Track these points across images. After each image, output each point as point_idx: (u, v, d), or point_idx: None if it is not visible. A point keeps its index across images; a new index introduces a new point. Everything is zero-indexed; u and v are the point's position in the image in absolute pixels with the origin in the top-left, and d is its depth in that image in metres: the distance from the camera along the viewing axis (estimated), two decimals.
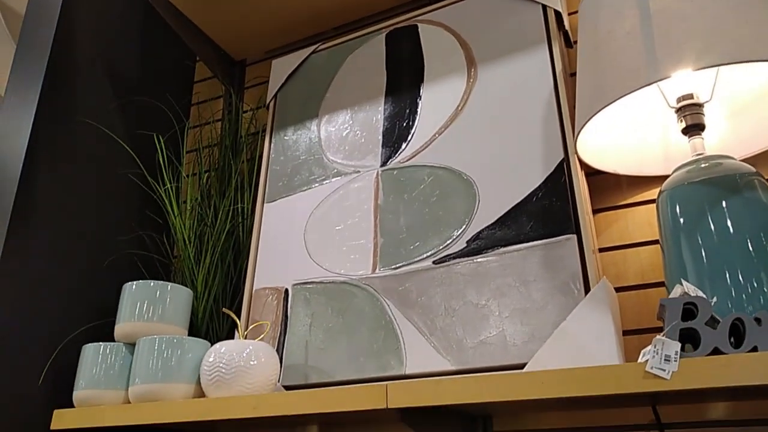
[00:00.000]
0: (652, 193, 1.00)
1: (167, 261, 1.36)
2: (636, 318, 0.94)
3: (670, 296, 0.72)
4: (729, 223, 0.74)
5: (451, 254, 0.96)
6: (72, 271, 1.14)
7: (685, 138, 0.85)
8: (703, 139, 0.84)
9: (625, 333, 0.93)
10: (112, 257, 1.23)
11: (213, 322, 1.19)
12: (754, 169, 0.78)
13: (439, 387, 0.72)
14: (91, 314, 1.16)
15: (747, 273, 0.71)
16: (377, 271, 1.02)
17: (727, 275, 0.72)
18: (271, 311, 1.09)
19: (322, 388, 0.81)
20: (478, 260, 0.93)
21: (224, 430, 1.20)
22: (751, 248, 0.72)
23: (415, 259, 0.99)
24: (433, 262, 0.97)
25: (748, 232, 0.73)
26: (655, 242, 0.97)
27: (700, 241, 0.75)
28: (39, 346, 1.05)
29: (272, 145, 1.28)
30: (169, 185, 1.27)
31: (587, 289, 0.84)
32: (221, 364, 0.91)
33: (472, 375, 0.73)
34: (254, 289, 1.14)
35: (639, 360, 0.66)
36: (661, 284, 0.94)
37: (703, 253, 0.75)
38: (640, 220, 0.99)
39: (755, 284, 0.71)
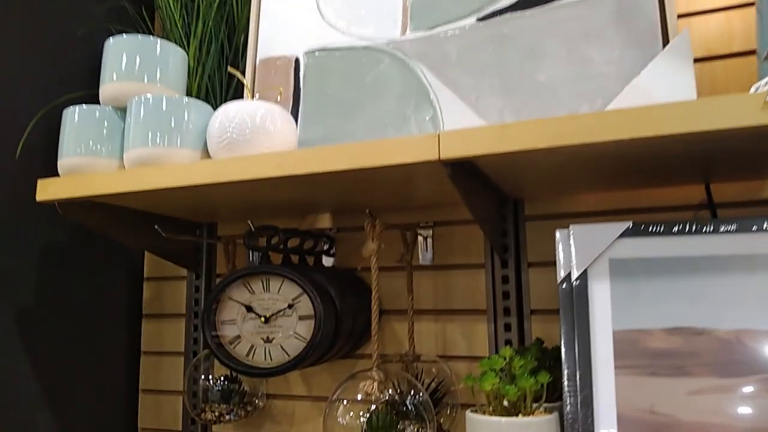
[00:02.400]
0: None
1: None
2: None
3: None
4: None
5: (500, 9, 0.82)
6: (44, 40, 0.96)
7: None
8: None
9: None
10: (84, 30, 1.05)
11: (209, 101, 1.05)
12: None
13: (506, 132, 0.62)
14: (63, 88, 1.00)
15: None
16: (407, 33, 0.87)
17: None
18: (279, 83, 0.96)
19: (360, 142, 0.70)
20: (534, 14, 0.80)
21: (225, 214, 1.12)
22: None
23: (455, 18, 0.85)
24: (478, 20, 0.83)
25: None
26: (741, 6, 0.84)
27: None
28: (15, 115, 0.90)
29: None
30: None
31: (666, 41, 0.73)
32: (233, 126, 0.79)
33: (541, 119, 0.63)
34: (258, 59, 0.98)
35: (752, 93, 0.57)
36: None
37: None
38: None
39: None
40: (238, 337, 0.91)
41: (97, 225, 0.96)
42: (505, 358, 0.63)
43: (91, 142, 0.86)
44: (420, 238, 1.02)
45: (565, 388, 0.63)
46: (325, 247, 1.07)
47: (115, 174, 0.84)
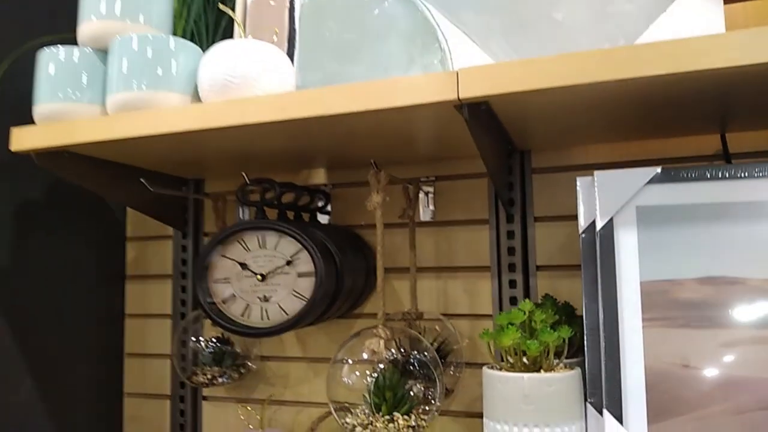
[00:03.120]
0: None
1: None
2: None
3: None
4: None
5: None
6: None
7: None
8: None
9: None
10: None
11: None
12: None
13: (531, 68, 0.58)
14: (37, 28, 0.92)
15: None
16: None
17: None
18: (273, 26, 0.89)
19: (371, 81, 0.65)
20: None
21: (213, 169, 1.06)
22: None
23: None
24: None
25: None
26: None
27: None
28: None
29: None
30: None
31: None
32: (227, 66, 0.73)
33: (570, 54, 0.58)
34: (249, 0, 0.91)
35: None
36: None
37: None
38: None
39: None
40: (233, 296, 0.86)
41: (78, 178, 0.89)
42: (524, 312, 0.60)
43: (69, 88, 0.79)
44: (421, 194, 0.98)
45: (587, 343, 0.61)
46: (320, 204, 1.02)
47: (97, 120, 0.77)
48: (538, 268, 0.92)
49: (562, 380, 0.56)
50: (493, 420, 0.57)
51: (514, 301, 0.92)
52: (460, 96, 0.60)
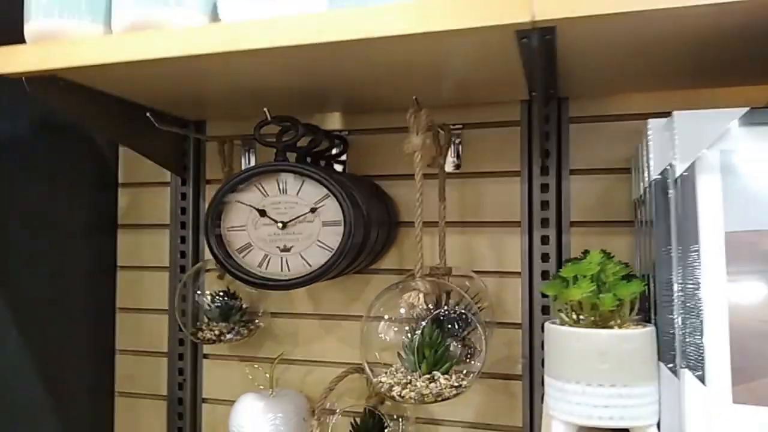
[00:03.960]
0: None
1: None
2: None
3: None
4: None
5: None
6: None
7: None
8: None
9: None
10: None
11: None
12: None
13: None
14: None
15: None
16: None
17: None
18: None
19: None
20: None
21: (218, 108, 0.96)
22: None
23: None
24: None
25: None
26: None
27: None
28: None
29: None
30: None
31: None
32: None
33: None
34: None
35: None
36: None
37: None
38: None
39: None
40: (249, 245, 0.79)
41: (72, 110, 0.80)
42: (595, 264, 0.54)
43: (67, 2, 0.69)
44: None
45: (658, 300, 0.56)
46: (334, 152, 0.94)
47: (102, 39, 0.68)
48: (571, 224, 0.87)
49: (640, 337, 0.51)
50: (560, 379, 0.52)
51: (545, 258, 0.87)
52: (535, 17, 0.53)
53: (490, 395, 0.89)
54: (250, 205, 0.79)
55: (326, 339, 0.97)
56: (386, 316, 0.70)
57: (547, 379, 0.55)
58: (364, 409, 0.87)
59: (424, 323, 0.67)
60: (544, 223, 0.87)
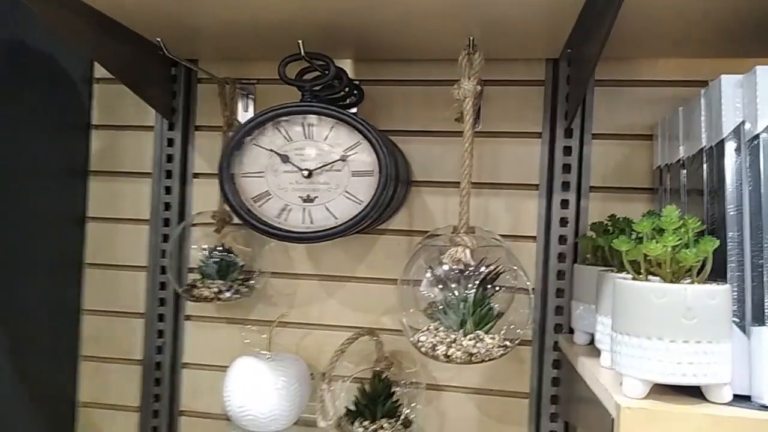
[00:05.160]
0: None
1: None
2: None
3: None
4: None
5: None
6: None
7: None
8: None
9: None
10: None
11: None
12: None
13: None
14: None
15: None
16: None
17: None
18: None
19: None
20: None
21: (214, 47, 0.87)
22: None
23: None
24: None
25: None
26: None
27: None
28: None
29: None
30: None
31: None
32: None
33: None
34: None
35: None
36: None
37: None
38: None
39: None
40: (266, 193, 0.72)
41: (55, 22, 0.69)
42: (676, 218, 0.53)
43: None
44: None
45: (730, 259, 0.55)
46: (348, 101, 0.88)
47: None
48: (590, 189, 0.86)
49: (723, 293, 0.50)
50: (639, 336, 0.50)
51: (564, 222, 0.85)
52: None
53: (497, 361, 0.87)
54: (272, 150, 0.72)
55: (327, 301, 0.92)
56: (428, 274, 0.66)
57: (618, 336, 0.53)
58: (373, 373, 0.83)
59: (471, 280, 0.63)
60: (565, 186, 0.85)
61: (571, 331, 0.81)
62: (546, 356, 0.85)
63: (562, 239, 0.85)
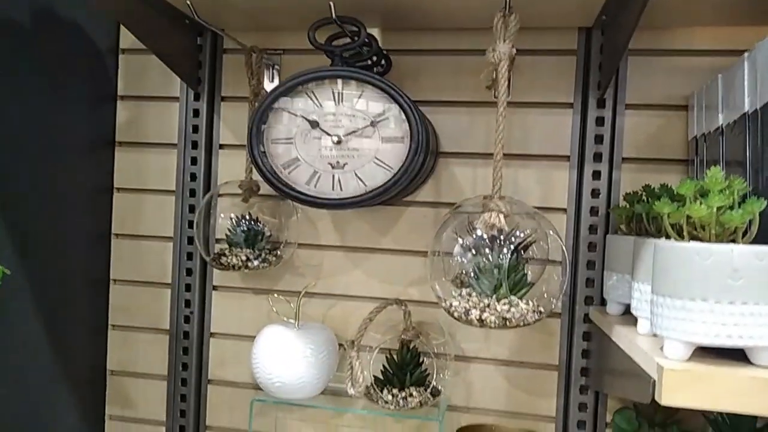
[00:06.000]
0: None
1: None
2: None
3: None
4: None
5: None
6: None
7: None
8: None
9: None
10: None
11: None
12: None
13: None
14: None
15: None
16: None
17: None
18: None
19: None
20: None
21: (241, 14, 0.86)
22: None
23: None
24: None
25: None
26: None
27: None
28: None
29: None
30: None
31: None
32: None
33: None
34: None
35: None
36: None
37: None
38: None
39: None
40: (296, 159, 0.72)
41: None
42: (721, 179, 0.51)
43: None
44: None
45: None
46: (375, 70, 0.87)
47: None
48: (623, 160, 0.84)
49: None
50: (681, 298, 0.49)
51: (595, 194, 0.84)
52: None
53: (525, 333, 0.87)
54: (302, 116, 0.71)
55: (352, 272, 0.92)
56: (460, 240, 0.65)
57: (659, 299, 0.52)
58: (401, 342, 0.83)
59: (505, 246, 0.62)
60: (597, 158, 0.84)
61: (602, 303, 0.81)
62: (576, 328, 0.84)
63: (594, 211, 0.84)
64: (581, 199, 0.84)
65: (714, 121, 0.71)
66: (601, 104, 0.83)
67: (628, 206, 0.74)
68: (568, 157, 0.85)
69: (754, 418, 0.74)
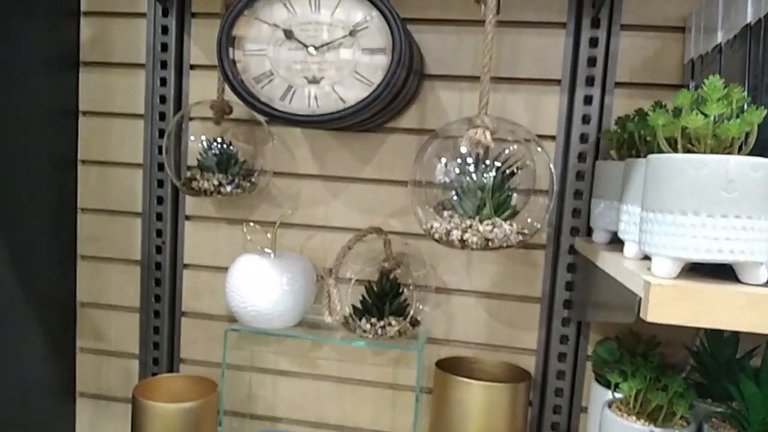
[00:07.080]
0: None
1: None
2: None
3: None
4: None
5: None
6: None
7: None
8: None
9: None
10: None
11: None
12: None
13: None
14: None
15: None
16: None
17: None
18: None
19: None
20: None
21: None
22: None
23: None
24: None
25: None
26: None
27: None
28: None
29: None
30: None
31: None
32: None
33: None
34: None
35: None
36: None
37: None
38: None
39: None
40: (270, 73, 0.67)
41: None
42: (721, 87, 0.48)
43: None
44: None
45: None
46: None
47: None
48: (615, 84, 0.80)
49: (766, 166, 0.46)
50: (671, 212, 0.47)
51: (586, 119, 0.80)
52: None
53: (507, 265, 0.85)
54: (275, 24, 0.66)
55: (331, 203, 0.88)
56: (443, 159, 0.62)
57: (649, 215, 0.49)
58: (381, 272, 0.80)
59: (493, 172, 0.59)
60: (589, 81, 0.80)
61: (588, 234, 0.78)
62: (561, 260, 0.82)
63: (584, 138, 0.80)
64: (571, 125, 0.81)
65: (712, 41, 0.67)
66: (595, 24, 0.79)
67: (619, 131, 0.71)
68: (559, 81, 0.81)
69: (735, 348, 0.73)
